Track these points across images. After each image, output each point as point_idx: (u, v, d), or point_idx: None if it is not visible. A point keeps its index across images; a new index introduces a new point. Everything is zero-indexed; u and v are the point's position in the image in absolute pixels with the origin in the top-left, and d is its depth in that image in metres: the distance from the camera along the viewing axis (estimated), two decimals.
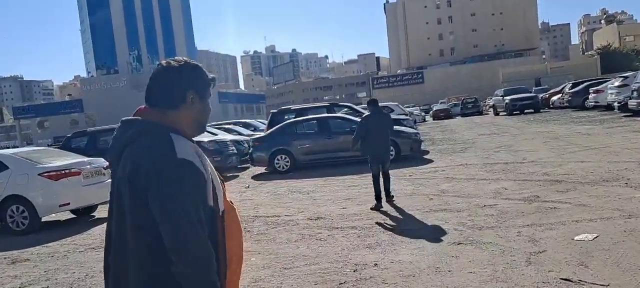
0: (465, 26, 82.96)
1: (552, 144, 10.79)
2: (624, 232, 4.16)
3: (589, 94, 20.41)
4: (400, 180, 8.02)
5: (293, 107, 14.93)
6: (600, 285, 3.17)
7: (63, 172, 6.59)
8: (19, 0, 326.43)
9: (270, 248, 4.75)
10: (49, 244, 5.80)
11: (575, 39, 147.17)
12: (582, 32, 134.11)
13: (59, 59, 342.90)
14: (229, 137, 13.62)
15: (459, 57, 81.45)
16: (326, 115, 12.60)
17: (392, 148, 8.93)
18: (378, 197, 6.11)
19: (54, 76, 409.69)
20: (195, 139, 1.42)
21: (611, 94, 17.37)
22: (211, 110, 1.47)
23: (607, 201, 5.25)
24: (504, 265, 3.69)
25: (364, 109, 15.53)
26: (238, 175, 11.71)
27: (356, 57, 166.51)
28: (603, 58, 60.44)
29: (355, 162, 10.79)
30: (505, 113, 25.75)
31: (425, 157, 11.28)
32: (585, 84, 22.47)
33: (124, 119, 1.38)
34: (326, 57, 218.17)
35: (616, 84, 17.28)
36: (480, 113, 33.71)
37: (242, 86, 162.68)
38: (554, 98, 25.62)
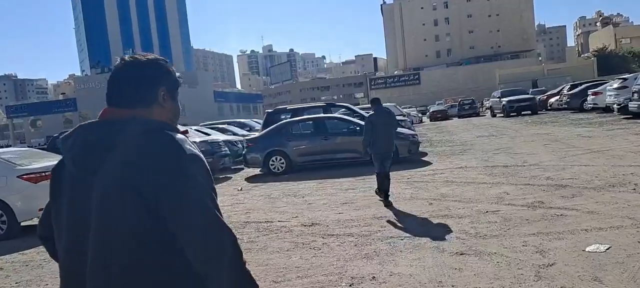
0: (462, 28, 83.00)
1: (553, 147, 10.56)
2: (638, 242, 3.90)
3: (587, 95, 20.24)
4: (399, 183, 7.75)
5: (289, 106, 14.64)
6: None
7: (43, 174, 6.26)
8: None
9: (260, 259, 4.46)
10: (26, 252, 5.48)
11: (571, 41, 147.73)
12: (578, 35, 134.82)
13: (53, 57, 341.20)
14: (222, 137, 13.31)
15: (455, 59, 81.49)
16: (323, 115, 12.30)
17: None
18: (385, 193, 6.33)
19: (48, 75, 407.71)
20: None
21: (610, 95, 17.19)
22: (179, 111, 1.32)
23: (616, 208, 5.00)
24: (512, 279, 3.42)
25: (362, 109, 15.31)
26: (231, 177, 11.39)
27: (353, 58, 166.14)
28: (599, 60, 60.58)
29: (352, 164, 10.54)
30: (502, 114, 25.61)
31: (424, 159, 11.03)
32: (584, 85, 22.33)
33: (91, 121, 1.21)
34: (323, 57, 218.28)
35: (615, 85, 17.09)
36: (477, 114, 33.61)
37: (238, 86, 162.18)
38: (552, 99, 25.47)
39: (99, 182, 1.12)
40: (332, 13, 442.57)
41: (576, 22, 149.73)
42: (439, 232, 4.80)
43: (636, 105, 14.27)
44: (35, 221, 6.90)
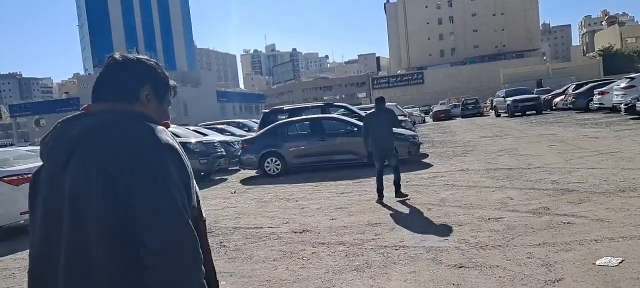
0: (466, 26, 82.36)
1: (559, 148, 10.19)
2: None
3: (593, 95, 19.81)
4: None
5: (286, 106, 14.30)
6: None
7: (25, 176, 5.99)
8: None
9: (244, 269, 4.15)
10: (2, 258, 5.20)
11: (576, 41, 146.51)
12: (583, 34, 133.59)
13: (58, 56, 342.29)
14: (218, 137, 13.02)
15: (459, 58, 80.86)
16: (320, 116, 11.96)
17: None
18: (379, 193, 6.45)
19: (53, 73, 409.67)
20: (181, 140, 0.98)
21: (617, 95, 16.76)
22: (166, 113, 1.30)
23: (627, 215, 4.66)
24: None
25: (362, 109, 14.97)
26: (226, 179, 11.09)
27: (356, 57, 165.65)
28: (605, 59, 59.95)
29: (349, 166, 10.23)
30: (506, 114, 25.23)
31: (424, 160, 10.70)
32: (590, 85, 21.88)
33: (70, 116, 1.19)
34: (326, 56, 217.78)
35: (622, 85, 16.66)
36: (481, 114, 33.21)
37: (241, 85, 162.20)
38: (557, 99, 25.04)
39: (69, 174, 1.09)
40: (335, 12, 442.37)
41: (581, 21, 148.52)
42: (436, 241, 4.48)
43: None
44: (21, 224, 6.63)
